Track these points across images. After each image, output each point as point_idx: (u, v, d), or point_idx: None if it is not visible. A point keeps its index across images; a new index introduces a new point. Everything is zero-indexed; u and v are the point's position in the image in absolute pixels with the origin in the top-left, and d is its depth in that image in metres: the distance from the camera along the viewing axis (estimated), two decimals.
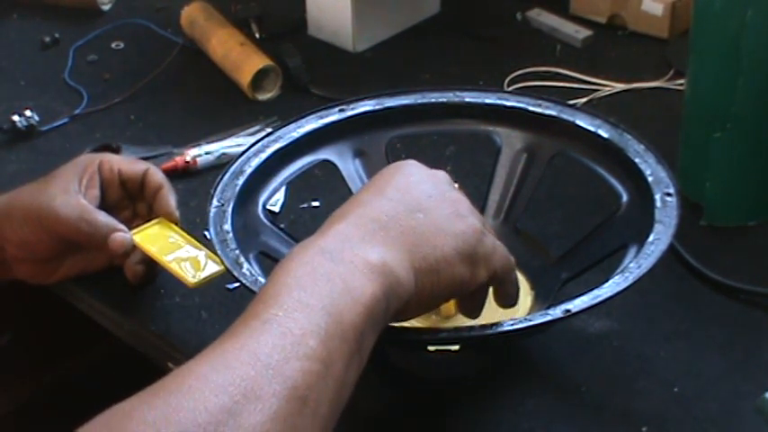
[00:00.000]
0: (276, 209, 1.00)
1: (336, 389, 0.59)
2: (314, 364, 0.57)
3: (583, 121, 0.89)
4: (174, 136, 1.13)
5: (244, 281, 0.75)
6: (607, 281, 0.74)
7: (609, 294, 0.73)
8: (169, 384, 0.55)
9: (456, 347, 0.79)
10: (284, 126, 0.91)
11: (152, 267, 0.90)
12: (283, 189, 1.00)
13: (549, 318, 0.72)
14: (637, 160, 0.85)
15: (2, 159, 1.12)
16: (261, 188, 0.88)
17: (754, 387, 0.78)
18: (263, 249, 0.83)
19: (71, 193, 0.89)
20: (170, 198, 0.92)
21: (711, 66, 0.93)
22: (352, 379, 0.61)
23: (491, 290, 0.74)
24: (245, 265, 0.77)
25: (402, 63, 1.26)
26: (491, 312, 0.76)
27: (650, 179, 0.83)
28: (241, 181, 0.86)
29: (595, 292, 0.73)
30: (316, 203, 1.02)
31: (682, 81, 1.11)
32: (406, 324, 0.72)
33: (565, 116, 0.90)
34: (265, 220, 0.86)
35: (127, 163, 0.94)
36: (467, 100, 0.93)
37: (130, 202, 0.95)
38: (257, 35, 1.30)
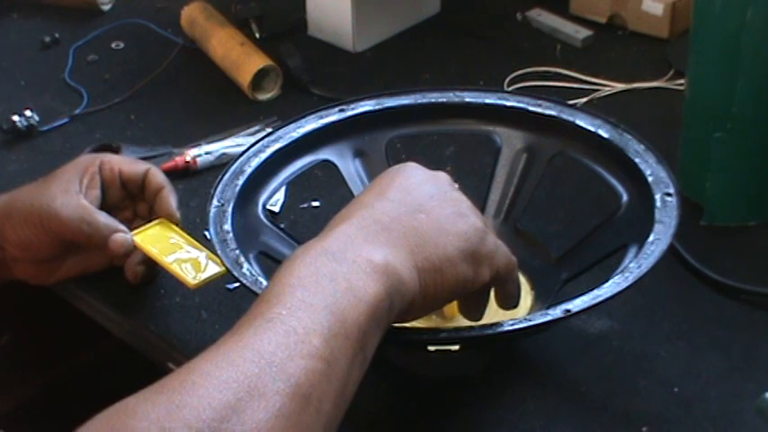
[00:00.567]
0: (276, 209, 1.00)
1: (340, 387, 0.59)
2: (317, 363, 0.58)
3: (583, 121, 0.89)
4: (174, 136, 1.13)
5: (244, 281, 0.75)
6: (607, 281, 0.74)
7: (609, 294, 0.73)
8: (172, 382, 0.55)
9: (456, 347, 0.79)
10: (284, 126, 0.91)
11: (152, 268, 0.90)
12: (283, 189, 1.00)
13: (549, 318, 0.72)
14: (637, 160, 0.85)
15: (2, 159, 1.12)
16: (261, 188, 0.88)
17: (754, 387, 0.78)
18: (263, 249, 0.83)
19: (72, 193, 0.89)
20: (171, 199, 0.92)
21: (711, 66, 0.93)
22: (355, 378, 0.61)
23: (492, 291, 0.75)
24: (246, 265, 0.77)
25: (402, 63, 1.26)
26: (491, 312, 0.75)
27: (650, 179, 0.83)
28: (241, 181, 0.86)
29: (595, 292, 0.73)
30: (316, 203, 1.02)
31: (682, 81, 1.11)
32: (406, 324, 0.72)
33: (565, 116, 0.90)
34: (265, 221, 0.86)
35: (128, 163, 0.94)
36: (467, 100, 0.93)
37: (131, 202, 0.95)
38: (257, 35, 1.30)
